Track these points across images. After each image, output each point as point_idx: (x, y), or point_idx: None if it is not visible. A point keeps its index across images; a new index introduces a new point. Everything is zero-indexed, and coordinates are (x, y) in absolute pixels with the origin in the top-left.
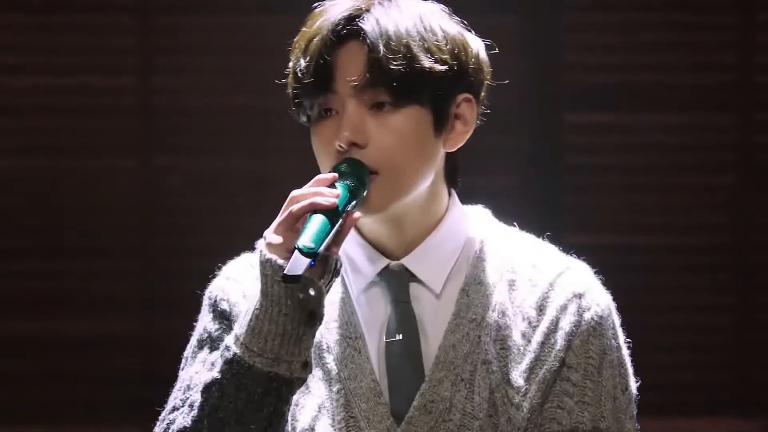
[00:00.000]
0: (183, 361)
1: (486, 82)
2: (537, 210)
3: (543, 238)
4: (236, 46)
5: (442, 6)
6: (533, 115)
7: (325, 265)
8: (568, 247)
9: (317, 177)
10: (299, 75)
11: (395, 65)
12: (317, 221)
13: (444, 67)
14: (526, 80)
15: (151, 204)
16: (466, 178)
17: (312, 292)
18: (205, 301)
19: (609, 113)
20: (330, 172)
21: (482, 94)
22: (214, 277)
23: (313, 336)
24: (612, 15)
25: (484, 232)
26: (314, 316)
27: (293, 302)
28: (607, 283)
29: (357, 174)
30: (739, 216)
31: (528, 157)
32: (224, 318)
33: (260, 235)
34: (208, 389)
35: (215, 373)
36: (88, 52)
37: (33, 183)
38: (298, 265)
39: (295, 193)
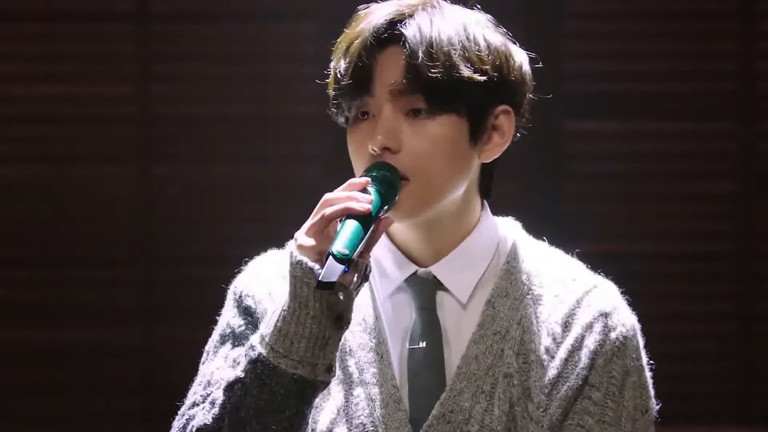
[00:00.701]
0: (204, 355)
1: (528, 95)
2: (537, 218)
3: (572, 255)
4: (235, 54)
5: (488, 16)
6: (533, 123)
7: (355, 270)
8: (575, 256)
9: (350, 181)
10: (338, 76)
11: (433, 72)
12: (350, 227)
13: (483, 78)
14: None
15: (150, 213)
16: None
17: (342, 297)
18: (230, 296)
19: (610, 121)
20: (362, 175)
21: (523, 107)
22: (210, 284)
23: (339, 340)
24: (613, 23)
25: (513, 244)
26: (342, 320)
27: (322, 305)
28: None
29: (389, 179)
30: (740, 224)
31: (528, 165)
32: (248, 314)
33: (261, 244)
34: (230, 387)
35: (239, 372)
36: (86, 60)
37: (31, 192)
38: (333, 271)
39: (328, 196)
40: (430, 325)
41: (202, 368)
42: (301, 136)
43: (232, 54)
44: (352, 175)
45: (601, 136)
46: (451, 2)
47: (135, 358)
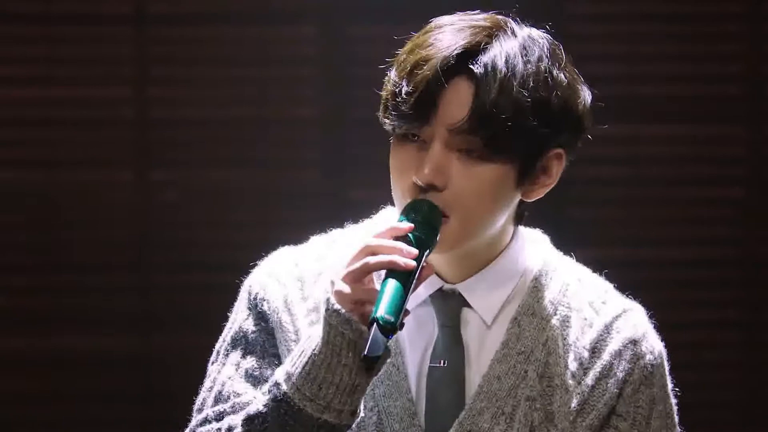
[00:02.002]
0: (214, 354)
1: (584, 135)
2: (541, 224)
3: (601, 275)
4: (234, 57)
5: (557, 44)
6: None
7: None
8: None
9: (392, 225)
10: (399, 99)
11: (499, 122)
12: (393, 287)
13: (546, 130)
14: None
15: (148, 218)
16: None
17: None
18: (244, 294)
19: (614, 125)
20: (404, 217)
21: (577, 146)
22: (211, 291)
23: (368, 384)
24: (617, 25)
25: (541, 262)
26: (373, 368)
27: (354, 354)
28: None
29: (432, 224)
30: (746, 230)
31: None
32: (262, 320)
33: (262, 249)
34: (250, 420)
35: (260, 406)
36: (83, 63)
37: (27, 196)
38: (378, 344)
39: (371, 242)
40: (452, 343)
41: (210, 369)
42: (301, 140)
43: (230, 56)
44: (349, 181)
45: (606, 140)
46: (518, 20)
47: (134, 365)
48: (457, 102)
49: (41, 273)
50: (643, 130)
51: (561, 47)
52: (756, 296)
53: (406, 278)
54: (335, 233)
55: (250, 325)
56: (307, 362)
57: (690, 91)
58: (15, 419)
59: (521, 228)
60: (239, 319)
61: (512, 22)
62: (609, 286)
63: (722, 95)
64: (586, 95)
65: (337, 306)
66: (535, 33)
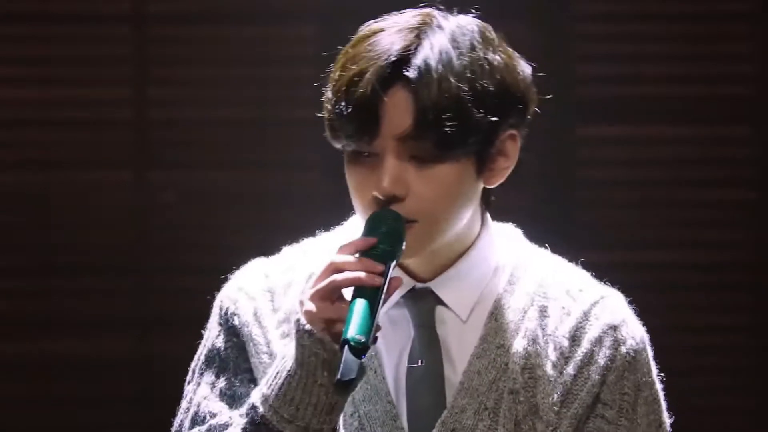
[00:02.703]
0: (190, 373)
1: (532, 110)
2: (548, 227)
3: (577, 264)
4: (234, 57)
5: (487, 26)
6: (544, 128)
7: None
8: (581, 265)
9: (356, 241)
10: (339, 114)
11: (444, 122)
12: (361, 307)
13: (494, 118)
14: (536, 92)
15: (145, 220)
16: None
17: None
18: (215, 310)
19: (623, 126)
20: (368, 230)
21: (527, 122)
22: (209, 294)
23: (345, 402)
24: (625, 25)
25: (515, 254)
26: (350, 386)
27: (329, 374)
28: None
29: (396, 233)
30: (756, 233)
31: (538, 172)
32: (234, 335)
33: (262, 252)
34: None
35: (239, 430)
36: (81, 63)
37: (23, 198)
38: (351, 367)
39: (336, 260)
40: (429, 342)
41: (187, 389)
42: (302, 141)
43: (230, 57)
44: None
45: (614, 142)
46: (446, 10)
47: (133, 368)
48: (399, 111)
49: (39, 275)
50: (651, 132)
51: (491, 29)
52: (764, 300)
53: (374, 294)
54: (306, 242)
55: (221, 342)
56: (283, 384)
57: (698, 91)
58: (13, 423)
59: (492, 222)
60: (212, 336)
61: (438, 14)
62: (586, 275)
63: (731, 96)
64: (525, 69)
65: (308, 327)
66: (463, 21)
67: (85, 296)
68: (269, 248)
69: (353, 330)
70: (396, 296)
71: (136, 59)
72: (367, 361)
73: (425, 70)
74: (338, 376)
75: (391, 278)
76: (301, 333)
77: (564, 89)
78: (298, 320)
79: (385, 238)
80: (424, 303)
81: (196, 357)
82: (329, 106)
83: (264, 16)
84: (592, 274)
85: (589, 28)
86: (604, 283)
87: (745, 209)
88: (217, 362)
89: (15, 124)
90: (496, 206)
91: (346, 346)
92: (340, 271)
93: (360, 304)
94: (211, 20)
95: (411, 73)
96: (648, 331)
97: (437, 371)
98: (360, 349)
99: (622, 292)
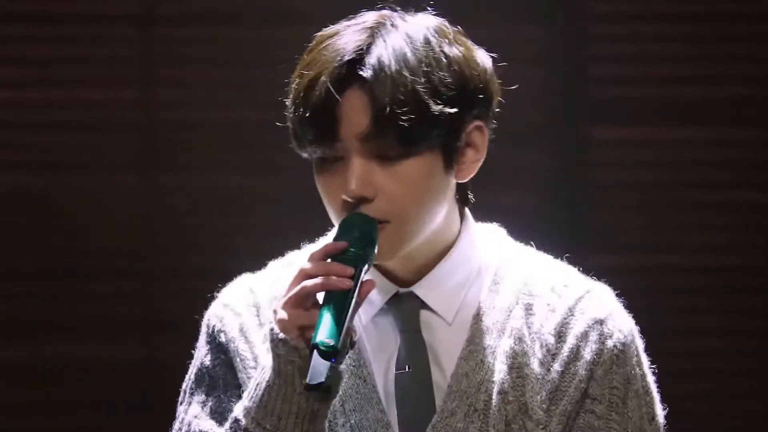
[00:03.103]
0: (182, 394)
1: (496, 100)
2: (561, 229)
3: (562, 259)
4: (243, 58)
5: (441, 21)
6: (557, 130)
7: (342, 348)
8: (593, 268)
9: (326, 246)
10: (299, 124)
11: (402, 118)
12: (332, 310)
13: (454, 109)
14: (549, 94)
15: (153, 224)
16: (487, 196)
17: (329, 374)
18: (203, 329)
19: (637, 128)
20: (339, 234)
21: (493, 113)
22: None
23: (329, 408)
24: (640, 26)
25: (499, 253)
26: (330, 392)
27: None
28: (634, 306)
29: (367, 235)
30: None
31: (552, 174)
32: (221, 352)
33: (270, 256)
34: None
35: None
36: (86, 64)
37: (28, 201)
38: (320, 370)
39: (306, 266)
40: (415, 347)
41: (179, 410)
42: None
43: (240, 58)
44: None
45: (628, 144)
46: (404, 10)
47: (137, 374)
48: (357, 111)
49: (43, 279)
50: (664, 133)
51: (447, 24)
52: None
53: (345, 297)
54: (291, 255)
55: (209, 361)
56: (263, 394)
57: (713, 93)
58: (17, 428)
59: (476, 222)
60: (200, 355)
61: (395, 14)
62: (572, 270)
63: (746, 98)
64: (485, 60)
65: (281, 335)
66: (420, 18)
67: (91, 300)
68: (277, 252)
69: (322, 334)
70: (380, 302)
71: (143, 60)
72: (357, 370)
73: (379, 68)
74: (306, 380)
75: (363, 282)
76: (275, 342)
77: (577, 90)
78: (272, 329)
79: (356, 242)
80: (408, 307)
81: (186, 377)
82: (290, 115)
83: (274, 17)
84: (599, 278)
85: (602, 28)
86: (592, 276)
87: (757, 212)
88: (206, 381)
89: (20, 126)
90: (507, 207)
91: (315, 351)
92: (310, 277)
93: (330, 308)
94: (219, 21)
95: (365, 72)
96: (658, 335)
97: (425, 376)
98: (329, 353)
99: (633, 295)
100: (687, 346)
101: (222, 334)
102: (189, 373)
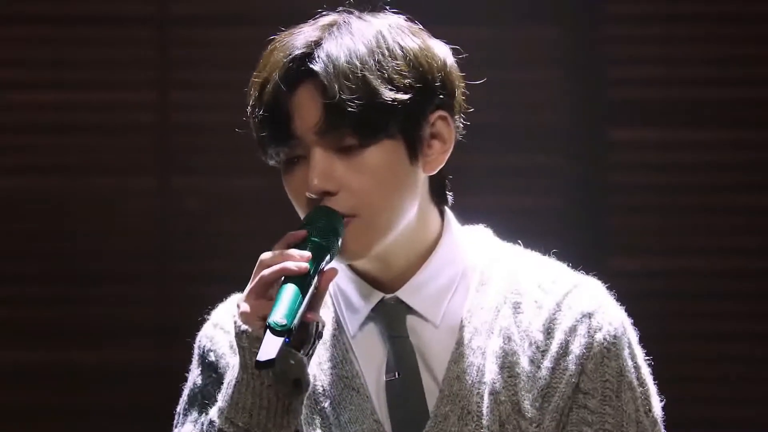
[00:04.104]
0: (176, 417)
1: (460, 91)
2: (580, 233)
3: (549, 255)
4: (260, 60)
5: (400, 16)
6: (575, 132)
7: (304, 332)
8: (612, 272)
9: (288, 234)
10: (258, 124)
11: (354, 106)
12: (288, 292)
13: (408, 95)
14: (567, 95)
15: (168, 227)
16: (502, 199)
17: (293, 362)
18: (195, 351)
19: (656, 130)
20: (302, 226)
21: (457, 105)
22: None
23: (302, 403)
24: (658, 27)
25: (484, 253)
26: (300, 385)
27: (276, 373)
28: (654, 310)
29: (329, 226)
30: None
31: (569, 177)
32: (212, 371)
33: None
34: None
35: None
36: (101, 66)
37: (43, 205)
38: (271, 347)
39: (264, 256)
40: (404, 353)
41: None
42: None
43: (256, 59)
44: None
45: (647, 146)
46: (361, 11)
47: (152, 380)
48: (309, 104)
49: (58, 284)
50: (683, 135)
51: (404, 19)
52: None
53: (303, 282)
54: None
55: (201, 380)
56: (233, 392)
57: (731, 94)
58: None
59: (457, 224)
60: (193, 377)
61: (352, 14)
62: (560, 266)
63: (765, 99)
64: (444, 52)
65: (244, 326)
66: (378, 16)
67: (106, 305)
68: None
69: (275, 315)
70: (366, 310)
71: (159, 62)
72: (350, 380)
73: (328, 60)
74: (257, 357)
75: (326, 270)
76: (239, 335)
77: (594, 92)
78: (235, 322)
79: (318, 231)
80: (394, 313)
81: (180, 400)
82: (249, 120)
83: (290, 17)
84: (618, 282)
85: (620, 29)
86: (585, 273)
87: None
88: (199, 400)
89: (35, 128)
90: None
91: (268, 330)
92: (268, 266)
93: (286, 291)
94: (236, 22)
95: (315, 65)
96: (677, 339)
97: (415, 381)
98: (282, 332)
99: (652, 298)
100: (708, 351)
101: (212, 353)
102: (182, 396)
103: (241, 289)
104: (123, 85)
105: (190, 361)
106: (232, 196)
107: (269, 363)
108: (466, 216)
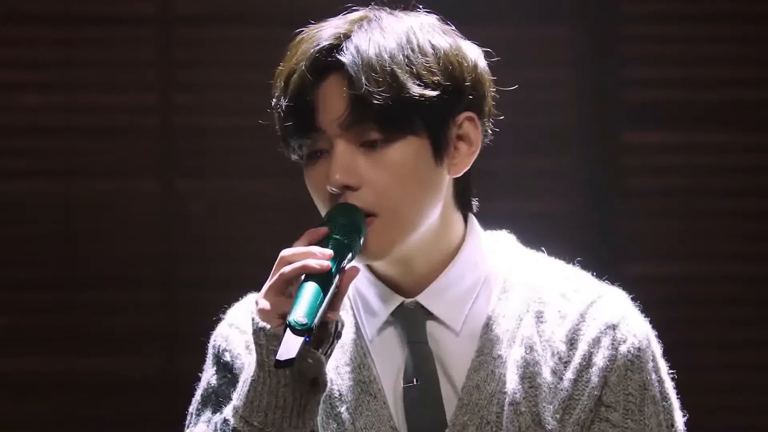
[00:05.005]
0: (188, 416)
1: (489, 94)
2: (593, 238)
3: (574, 264)
4: (265, 61)
5: (433, 17)
6: (588, 134)
7: (323, 331)
8: (626, 277)
9: (308, 232)
10: (282, 116)
11: (380, 99)
12: (309, 290)
13: (435, 92)
14: (580, 97)
15: (172, 231)
16: (515, 203)
17: (311, 361)
18: (209, 350)
19: (671, 132)
20: (323, 223)
21: (486, 108)
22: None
23: (318, 404)
24: (673, 27)
25: (508, 260)
26: (317, 384)
27: (293, 372)
28: (669, 316)
29: (351, 223)
30: None
31: (582, 181)
32: (227, 371)
33: None
34: None
35: None
36: (104, 67)
37: (44, 208)
38: (291, 347)
39: (285, 253)
40: (422, 359)
41: None
42: None
43: (260, 60)
44: None
45: (662, 149)
46: (392, 9)
47: (157, 388)
48: (335, 96)
49: (60, 289)
50: (700, 138)
51: (438, 19)
52: None
53: (324, 281)
54: None
55: (215, 380)
56: (249, 391)
57: (749, 96)
58: None
59: (481, 229)
60: (207, 376)
61: (384, 10)
62: (584, 275)
63: None
64: (476, 53)
65: (262, 324)
66: (409, 14)
67: (109, 311)
68: None
69: (296, 313)
70: (385, 314)
71: (162, 63)
72: (367, 386)
73: (356, 52)
74: (276, 356)
75: (347, 268)
76: (256, 332)
77: (610, 93)
78: (252, 319)
79: (339, 229)
80: (413, 318)
81: (193, 400)
82: (273, 112)
83: (295, 17)
84: (632, 287)
85: (636, 29)
86: (606, 282)
87: None
88: (213, 400)
89: (36, 131)
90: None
91: (288, 329)
92: (289, 263)
93: (307, 289)
94: (240, 22)
95: (343, 57)
96: (695, 347)
97: (434, 389)
98: (302, 331)
99: (669, 305)
100: (725, 359)
101: (227, 353)
102: (195, 395)
103: (252, 291)
104: (125, 86)
105: (195, 367)
106: (236, 200)
107: (289, 362)
108: (478, 220)
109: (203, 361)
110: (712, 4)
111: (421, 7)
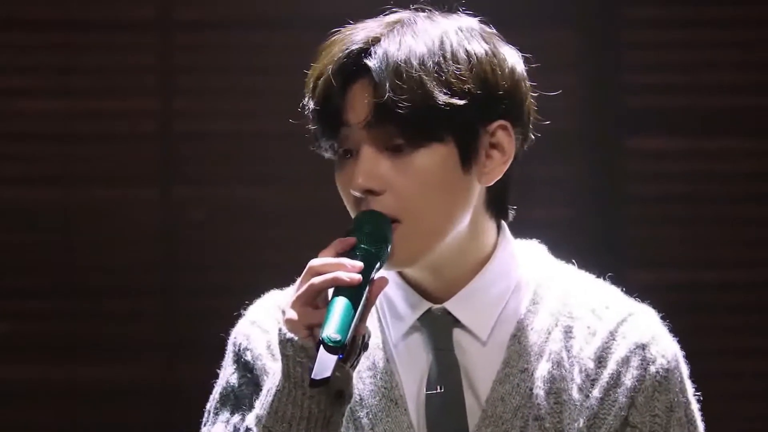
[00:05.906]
0: (206, 414)
1: (528, 101)
2: (595, 244)
3: (605, 278)
4: (265, 66)
5: (473, 20)
6: (591, 140)
7: (352, 344)
8: (629, 285)
9: (336, 241)
10: (311, 116)
11: (403, 105)
12: (340, 305)
13: (464, 101)
14: (583, 102)
15: (172, 238)
16: (517, 210)
17: (339, 374)
18: (229, 347)
19: (674, 138)
20: (349, 232)
21: (525, 116)
22: (239, 317)
23: (343, 415)
24: (677, 32)
25: (538, 271)
26: (343, 396)
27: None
28: (673, 325)
29: (378, 233)
30: None
31: (585, 187)
32: (247, 370)
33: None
34: None
35: None
36: (103, 72)
37: (43, 215)
38: (326, 365)
39: (314, 263)
40: (447, 367)
41: (203, 431)
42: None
43: (261, 65)
44: None
45: (665, 155)
46: (433, 10)
47: (157, 397)
48: (361, 100)
49: (59, 297)
50: (703, 144)
51: (477, 23)
52: None
53: (355, 294)
54: None
55: (235, 379)
56: (273, 400)
57: (753, 102)
58: None
59: (511, 237)
60: (226, 374)
61: (422, 13)
62: (614, 291)
63: None
64: (515, 59)
65: (289, 335)
66: (449, 17)
67: (108, 319)
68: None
69: (329, 329)
70: (411, 319)
71: (162, 69)
72: (388, 391)
73: (383, 57)
74: (311, 375)
75: (375, 279)
76: (283, 343)
77: (611, 99)
78: (279, 330)
79: (367, 239)
80: (440, 325)
81: (210, 398)
82: (305, 112)
83: (296, 23)
84: (644, 297)
85: (638, 35)
86: (637, 299)
87: None
88: (231, 400)
89: (34, 137)
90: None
91: (322, 346)
92: (318, 274)
93: (338, 303)
94: (240, 27)
95: (370, 61)
96: (700, 355)
97: (457, 398)
98: (335, 348)
99: (673, 313)
100: (728, 367)
101: (248, 352)
102: (213, 393)
103: (251, 300)
104: (125, 92)
105: (195, 375)
106: (236, 206)
107: (325, 381)
108: None
109: (204, 369)
110: (714, 10)
111: (461, 9)
